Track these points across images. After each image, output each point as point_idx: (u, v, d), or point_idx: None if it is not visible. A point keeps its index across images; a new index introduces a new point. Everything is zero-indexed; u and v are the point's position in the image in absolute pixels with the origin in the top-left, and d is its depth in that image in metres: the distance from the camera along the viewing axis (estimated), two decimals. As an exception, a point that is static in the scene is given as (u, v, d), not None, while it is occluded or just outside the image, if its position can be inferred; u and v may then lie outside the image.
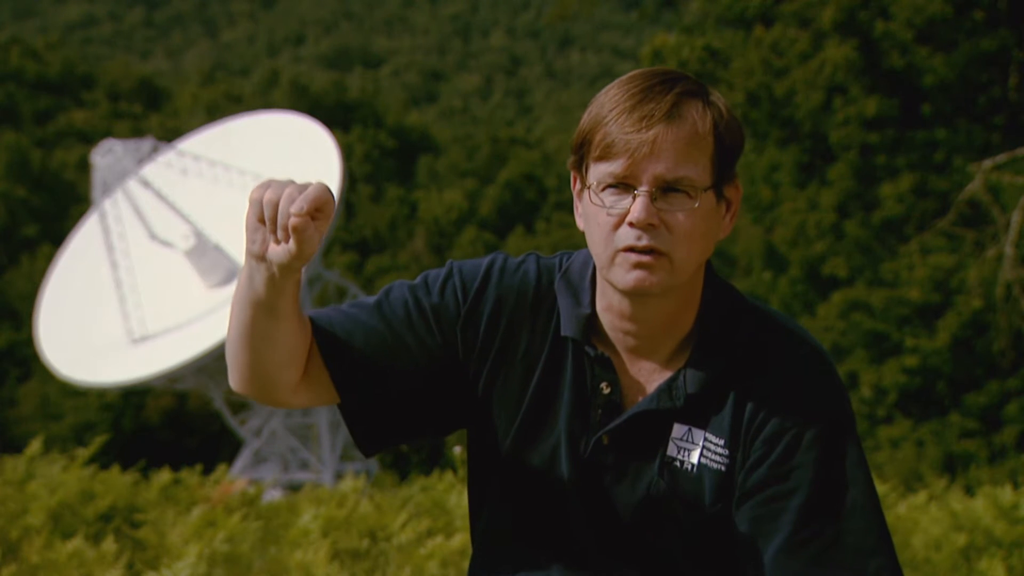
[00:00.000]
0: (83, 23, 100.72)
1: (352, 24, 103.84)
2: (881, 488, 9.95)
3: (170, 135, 43.36)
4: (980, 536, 8.35)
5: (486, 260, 2.38)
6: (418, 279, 2.38)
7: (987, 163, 21.88)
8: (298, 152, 33.39)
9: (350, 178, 43.83)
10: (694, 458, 2.27)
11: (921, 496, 10.44)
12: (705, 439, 2.27)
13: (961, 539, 8.21)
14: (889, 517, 8.80)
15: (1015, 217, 21.38)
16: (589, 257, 2.34)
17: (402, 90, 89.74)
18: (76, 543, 6.13)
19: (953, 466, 27.08)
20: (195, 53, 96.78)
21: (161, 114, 68.09)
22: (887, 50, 23.99)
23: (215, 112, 56.26)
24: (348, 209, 59.90)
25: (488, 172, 68.77)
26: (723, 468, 2.26)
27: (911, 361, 27.24)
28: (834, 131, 24.45)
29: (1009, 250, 21.45)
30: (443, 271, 2.38)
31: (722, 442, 2.27)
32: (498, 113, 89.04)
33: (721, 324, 2.30)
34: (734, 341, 2.29)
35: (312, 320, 2.35)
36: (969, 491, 14.28)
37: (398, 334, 2.33)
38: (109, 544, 6.20)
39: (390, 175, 68.69)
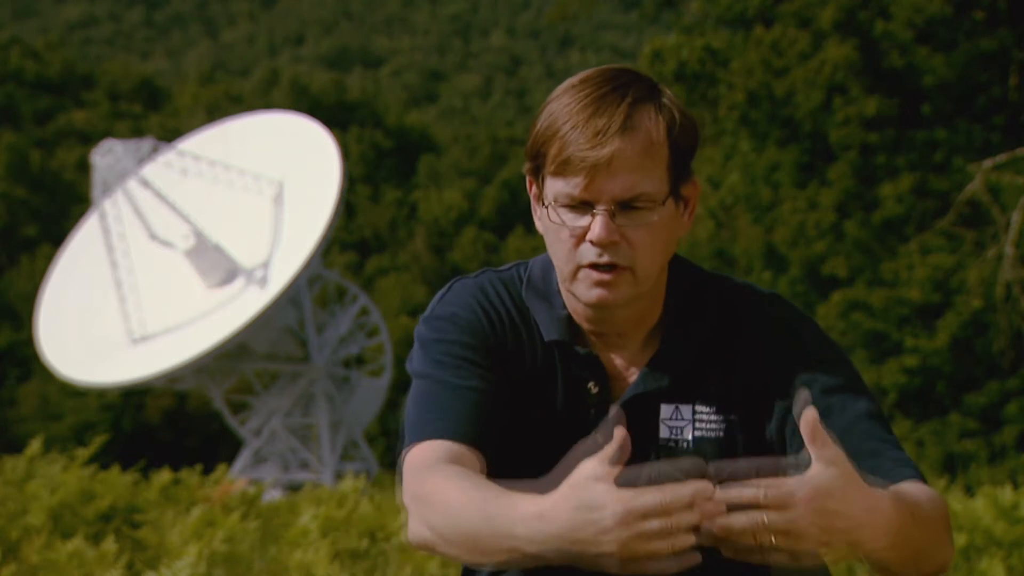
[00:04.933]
0: (83, 23, 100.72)
1: (352, 24, 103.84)
2: (881, 488, 9.94)
3: (170, 135, 43.34)
4: (980, 536, 8.34)
5: (466, 295, 2.34)
6: (430, 347, 2.30)
7: (987, 163, 21.88)
8: (298, 152, 33.40)
9: (350, 178, 43.80)
10: (688, 435, 2.28)
11: (921, 496, 10.42)
12: (695, 413, 2.28)
13: (961, 539, 8.20)
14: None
15: (1015, 217, 21.38)
16: (548, 262, 2.34)
17: (402, 90, 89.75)
18: (76, 543, 6.12)
19: (953, 466, 27.07)
20: (195, 53, 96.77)
21: (161, 114, 68.10)
22: (887, 50, 23.99)
23: (215, 112, 56.25)
24: (348, 209, 59.89)
25: (488, 172, 68.77)
26: (721, 434, 2.28)
27: (911, 361, 27.23)
28: (834, 131, 24.43)
29: (1009, 250, 21.45)
30: (446, 324, 2.32)
31: (713, 409, 2.27)
32: (498, 113, 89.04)
33: (688, 299, 2.32)
34: (704, 312, 2.31)
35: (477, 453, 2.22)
36: (969, 491, 14.28)
37: (484, 386, 2.28)
38: (109, 544, 6.20)
39: (390, 175, 68.70)
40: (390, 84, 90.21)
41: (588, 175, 2.15)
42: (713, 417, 2.28)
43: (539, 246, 2.39)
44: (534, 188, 2.27)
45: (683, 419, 2.28)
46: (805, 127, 24.67)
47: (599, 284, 2.19)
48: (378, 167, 68.15)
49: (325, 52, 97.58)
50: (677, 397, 2.28)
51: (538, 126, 2.21)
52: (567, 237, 2.20)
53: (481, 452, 2.20)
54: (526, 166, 2.26)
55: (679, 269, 2.34)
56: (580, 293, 2.22)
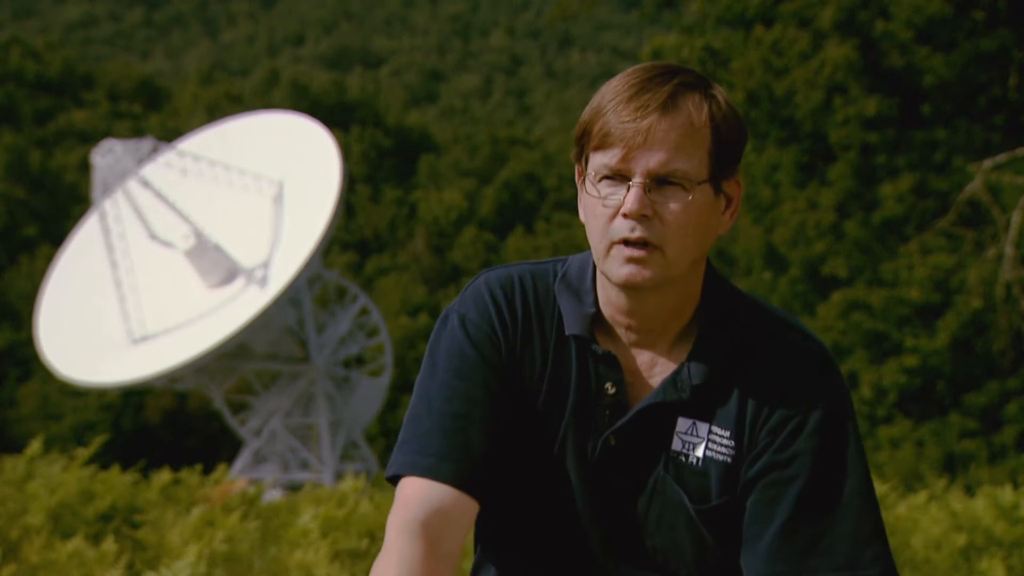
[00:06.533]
0: (83, 23, 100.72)
1: (352, 24, 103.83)
2: (881, 488, 9.94)
3: (170, 135, 43.38)
4: (980, 536, 8.34)
5: (483, 292, 2.36)
6: (443, 352, 2.34)
7: (987, 163, 21.87)
8: (298, 152, 33.40)
9: (350, 178, 43.79)
10: (699, 452, 2.29)
11: (921, 496, 10.43)
12: (710, 432, 2.29)
13: (961, 539, 8.20)
14: (889, 517, 8.80)
15: (1015, 217, 21.38)
16: (587, 258, 2.36)
17: (402, 90, 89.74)
18: (76, 543, 6.12)
19: (953, 466, 27.10)
20: (195, 53, 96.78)
21: (161, 114, 68.11)
22: (887, 50, 23.97)
23: (215, 112, 56.26)
24: (348, 209, 59.90)
25: (488, 172, 68.78)
26: (729, 459, 2.28)
27: (911, 361, 27.25)
28: (834, 131, 24.41)
29: (1009, 250, 21.45)
30: (455, 328, 2.35)
31: (728, 433, 2.28)
32: (498, 113, 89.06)
33: (722, 316, 2.32)
34: (735, 333, 2.31)
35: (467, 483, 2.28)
36: (969, 491, 14.29)
37: (489, 402, 2.31)
38: (109, 544, 6.19)
39: (390, 175, 68.71)
40: (390, 84, 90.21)
41: (626, 146, 2.19)
42: (726, 441, 2.28)
43: (540, 246, 2.40)
44: (580, 175, 2.30)
45: (698, 436, 2.29)
46: (805, 127, 24.65)
47: (630, 260, 2.20)
48: (378, 167, 68.16)
49: (325, 52, 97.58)
50: (696, 413, 2.29)
51: (586, 110, 2.26)
52: (602, 211, 2.22)
53: (472, 489, 2.26)
54: (573, 152, 2.30)
55: (720, 285, 2.34)
56: (611, 271, 2.23)
